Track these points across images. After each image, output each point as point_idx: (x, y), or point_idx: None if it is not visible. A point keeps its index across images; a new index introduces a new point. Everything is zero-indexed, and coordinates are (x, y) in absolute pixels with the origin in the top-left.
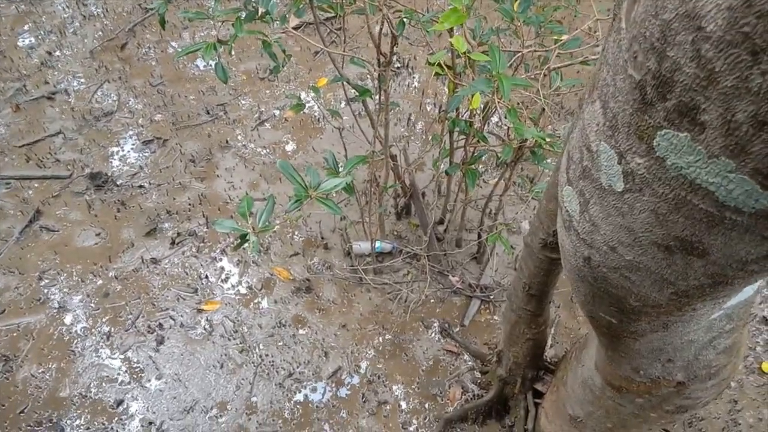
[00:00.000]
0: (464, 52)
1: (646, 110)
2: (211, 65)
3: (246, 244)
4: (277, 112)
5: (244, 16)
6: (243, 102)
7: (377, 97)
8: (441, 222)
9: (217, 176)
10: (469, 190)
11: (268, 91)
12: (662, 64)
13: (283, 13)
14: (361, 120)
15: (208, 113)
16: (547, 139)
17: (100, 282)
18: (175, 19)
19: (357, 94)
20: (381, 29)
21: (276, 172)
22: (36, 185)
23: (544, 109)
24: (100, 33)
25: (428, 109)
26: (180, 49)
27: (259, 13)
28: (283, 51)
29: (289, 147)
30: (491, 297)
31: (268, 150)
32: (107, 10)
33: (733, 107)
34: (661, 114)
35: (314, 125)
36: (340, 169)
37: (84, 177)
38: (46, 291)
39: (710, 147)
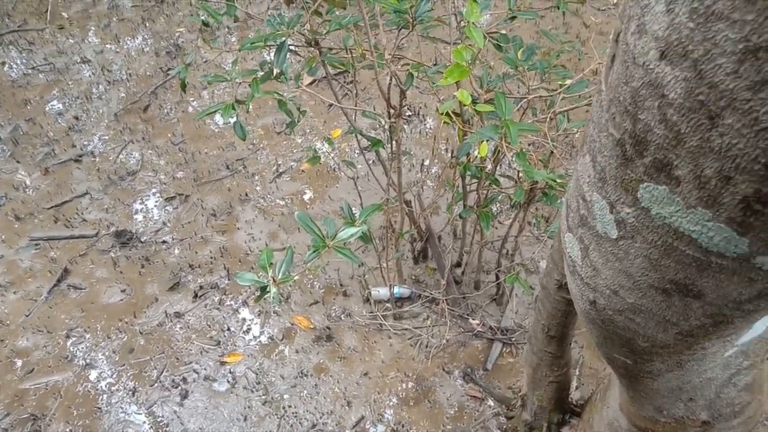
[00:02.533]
0: (470, 104)
1: (627, 165)
2: (230, 122)
3: (267, 296)
4: (294, 164)
5: (260, 76)
6: (261, 156)
7: (389, 146)
8: (458, 264)
9: (238, 229)
10: (485, 232)
11: (285, 144)
12: (636, 125)
13: (298, 71)
14: (374, 167)
15: (228, 168)
16: (558, 180)
17: (125, 338)
18: (195, 81)
19: (370, 144)
20: (390, 83)
21: (294, 223)
22: (64, 245)
23: (552, 152)
24: (124, 96)
25: (441, 152)
26: (201, 110)
27: (275, 74)
28: (298, 108)
29: (307, 197)
30: (513, 339)
31: (286, 201)
32: (131, 75)
33: (701, 164)
34: (640, 169)
35: (330, 174)
36: (357, 218)
37: (109, 235)
38: (73, 349)
39: (687, 199)
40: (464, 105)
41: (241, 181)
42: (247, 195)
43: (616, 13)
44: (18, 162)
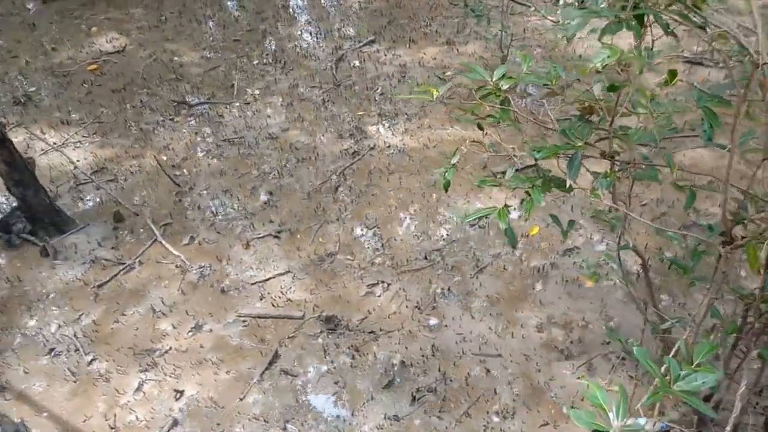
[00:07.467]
0: None
1: None
2: (416, 210)
3: None
4: (493, 260)
5: (540, 184)
6: (457, 248)
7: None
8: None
9: (445, 326)
10: None
11: (480, 237)
12: None
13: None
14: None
15: (426, 258)
16: None
17: None
18: (380, 164)
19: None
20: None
21: (506, 325)
22: (271, 324)
23: None
24: (313, 175)
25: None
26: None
27: (567, 185)
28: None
29: (514, 298)
30: None
31: (490, 301)
32: (317, 155)
33: None
34: None
35: (532, 276)
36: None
37: (316, 319)
38: None
39: None
40: None
41: (440, 273)
42: (449, 290)
43: None
44: (219, 233)
